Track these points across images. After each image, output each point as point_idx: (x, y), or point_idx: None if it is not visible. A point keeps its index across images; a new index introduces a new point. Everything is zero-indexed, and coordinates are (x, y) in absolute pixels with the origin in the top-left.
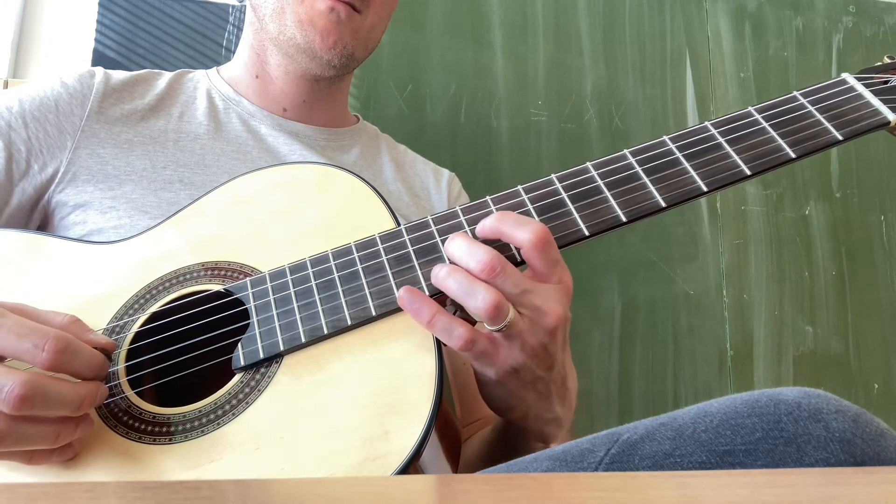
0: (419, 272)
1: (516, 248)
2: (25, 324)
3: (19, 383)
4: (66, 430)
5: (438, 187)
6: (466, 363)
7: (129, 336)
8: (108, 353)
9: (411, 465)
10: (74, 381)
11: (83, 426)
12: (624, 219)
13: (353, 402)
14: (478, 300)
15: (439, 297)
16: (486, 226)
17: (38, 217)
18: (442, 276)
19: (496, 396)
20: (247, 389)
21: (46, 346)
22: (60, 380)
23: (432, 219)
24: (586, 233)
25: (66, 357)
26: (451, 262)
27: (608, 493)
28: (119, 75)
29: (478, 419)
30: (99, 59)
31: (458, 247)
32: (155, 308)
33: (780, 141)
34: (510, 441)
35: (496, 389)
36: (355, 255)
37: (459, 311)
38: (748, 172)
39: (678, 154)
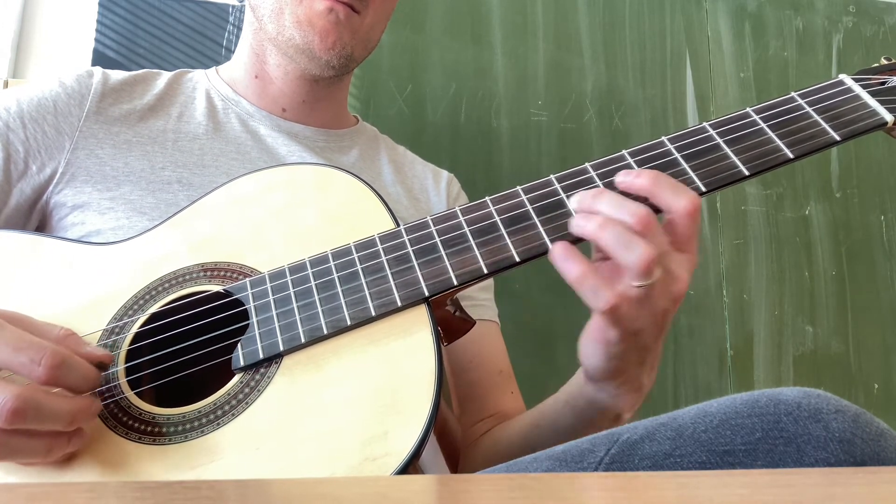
0: (419, 272)
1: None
2: (22, 337)
3: (12, 397)
4: (59, 443)
5: (437, 189)
6: (474, 360)
7: (129, 337)
8: (104, 365)
9: (411, 465)
10: (68, 396)
11: (75, 440)
12: None
13: (353, 403)
14: (635, 253)
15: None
16: (637, 183)
17: (37, 218)
18: (593, 226)
19: (604, 357)
20: (246, 390)
21: (43, 360)
22: (54, 394)
23: (431, 219)
24: None
25: (62, 372)
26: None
27: (608, 493)
28: (118, 75)
29: (491, 415)
30: (99, 59)
31: (609, 200)
32: (154, 309)
33: (778, 141)
34: (579, 415)
35: (609, 349)
36: (355, 255)
37: (459, 311)
38: (746, 173)
39: (676, 154)
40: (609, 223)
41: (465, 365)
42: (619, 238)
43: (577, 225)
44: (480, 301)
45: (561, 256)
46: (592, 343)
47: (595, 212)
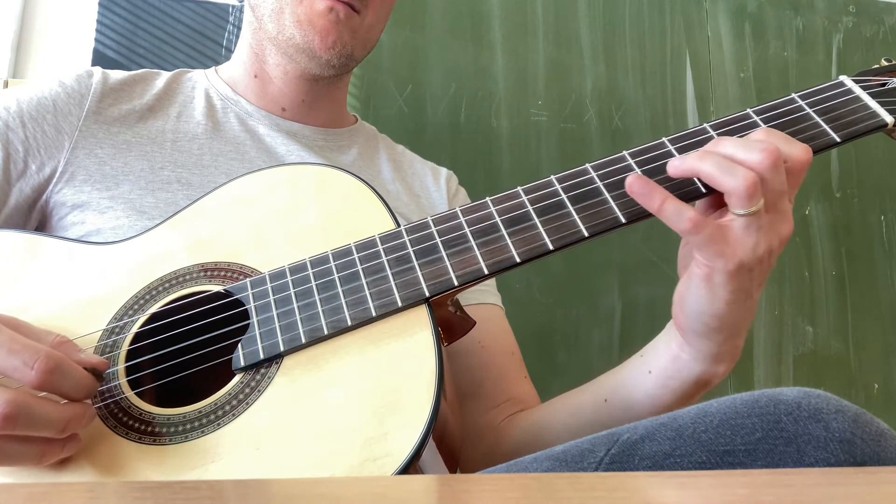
0: (419, 273)
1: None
2: (17, 339)
3: (4, 402)
4: (52, 449)
5: (438, 185)
6: (482, 341)
7: (129, 337)
8: (99, 373)
9: (411, 466)
10: (61, 403)
11: (69, 446)
12: (623, 220)
13: (353, 403)
14: (738, 178)
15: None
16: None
17: (37, 218)
18: (691, 160)
19: (709, 298)
20: (247, 390)
21: (36, 364)
22: (46, 401)
23: (432, 219)
24: (586, 234)
25: (56, 377)
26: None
27: (608, 493)
28: (117, 75)
29: (508, 399)
30: (99, 59)
31: (734, 144)
32: (155, 309)
33: None
34: (665, 384)
35: (716, 290)
36: (355, 255)
37: (460, 311)
38: None
39: (677, 156)
40: (707, 154)
41: (472, 347)
42: (720, 165)
43: (673, 165)
44: (482, 287)
45: (639, 185)
46: (697, 284)
47: (720, 150)
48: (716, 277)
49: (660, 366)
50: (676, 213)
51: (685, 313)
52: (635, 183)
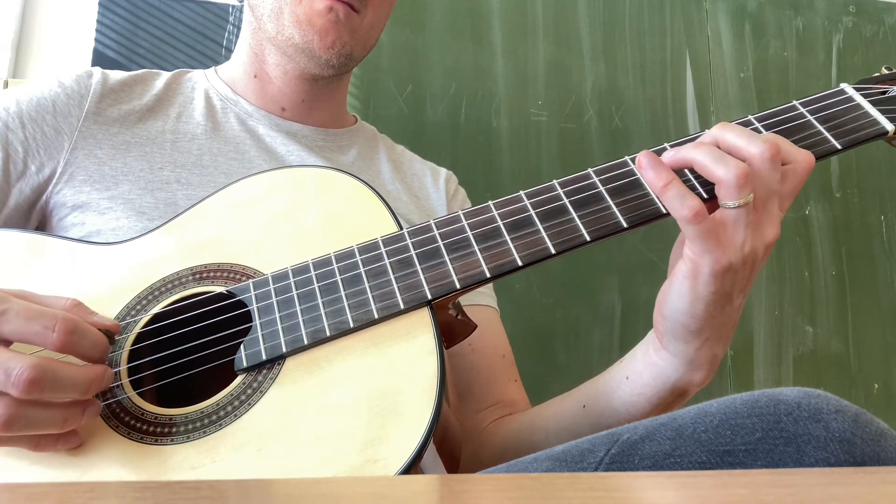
0: (421, 275)
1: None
2: (32, 307)
3: (28, 366)
4: (74, 414)
5: (437, 186)
6: (474, 343)
7: (132, 337)
8: (111, 334)
9: (412, 468)
10: (81, 364)
11: (90, 411)
12: (625, 224)
13: (355, 405)
14: (729, 167)
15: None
16: (728, 136)
17: (37, 218)
18: (686, 150)
19: (691, 298)
20: (249, 391)
21: (56, 327)
22: (68, 363)
23: (434, 222)
24: (587, 238)
25: (76, 338)
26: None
27: (608, 493)
28: (117, 76)
29: (496, 402)
30: (99, 59)
31: (737, 133)
32: (157, 309)
33: None
34: (641, 391)
35: (699, 289)
36: (358, 258)
37: (461, 314)
38: None
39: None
40: (701, 144)
41: (465, 349)
42: (712, 154)
43: (668, 156)
44: (479, 289)
45: (647, 160)
46: (681, 281)
47: (721, 141)
48: (701, 275)
49: (636, 371)
50: (679, 198)
51: (663, 313)
52: (644, 157)
